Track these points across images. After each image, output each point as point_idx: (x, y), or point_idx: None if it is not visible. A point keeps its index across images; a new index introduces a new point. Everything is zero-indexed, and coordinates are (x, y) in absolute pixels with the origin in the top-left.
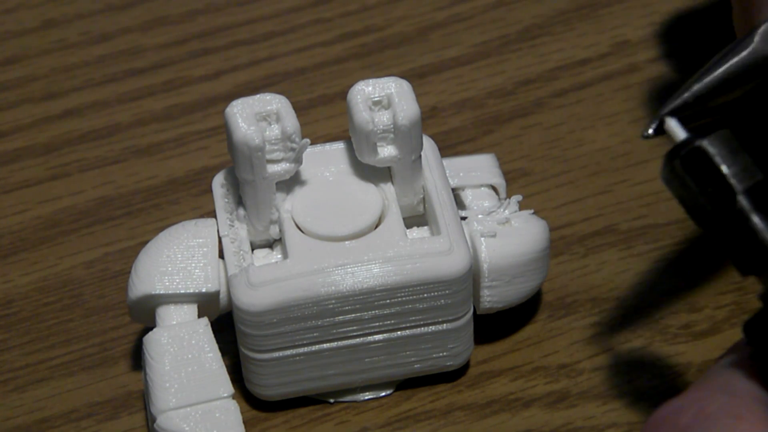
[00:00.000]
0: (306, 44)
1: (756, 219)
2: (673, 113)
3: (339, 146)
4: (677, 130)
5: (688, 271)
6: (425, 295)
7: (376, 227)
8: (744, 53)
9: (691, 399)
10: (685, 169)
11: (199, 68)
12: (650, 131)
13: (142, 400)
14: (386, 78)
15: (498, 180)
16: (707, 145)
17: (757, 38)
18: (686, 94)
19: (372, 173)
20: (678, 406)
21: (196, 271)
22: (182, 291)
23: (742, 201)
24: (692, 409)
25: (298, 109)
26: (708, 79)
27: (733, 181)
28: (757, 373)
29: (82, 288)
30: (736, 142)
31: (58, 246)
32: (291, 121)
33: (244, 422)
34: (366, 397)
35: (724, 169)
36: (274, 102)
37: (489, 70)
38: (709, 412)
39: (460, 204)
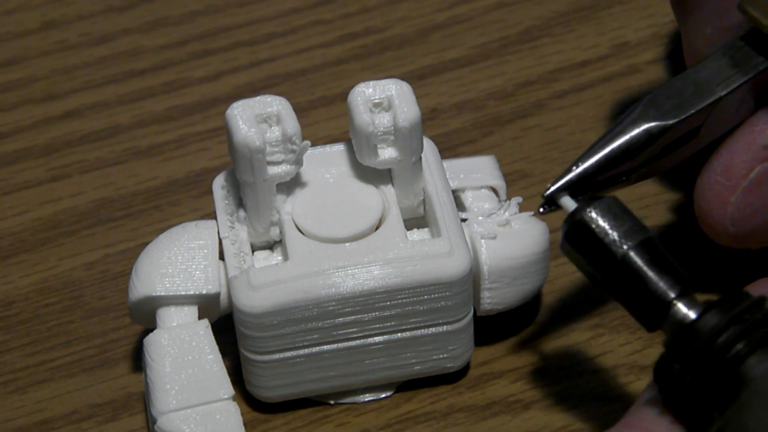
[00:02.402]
0: (306, 45)
1: (648, 273)
2: (559, 191)
3: (339, 148)
4: (569, 204)
5: (687, 272)
6: (425, 297)
7: (377, 229)
8: (626, 135)
9: None
10: (570, 243)
11: (199, 69)
12: (541, 210)
13: (142, 401)
14: (386, 80)
15: (498, 182)
16: (587, 217)
17: (637, 114)
18: (570, 175)
19: (372, 175)
20: None
21: (197, 272)
22: (183, 292)
23: (633, 257)
24: None
25: (299, 110)
26: (593, 160)
27: (616, 246)
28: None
29: (83, 289)
30: (619, 206)
31: (58, 247)
32: (291, 123)
33: (245, 424)
34: (366, 399)
35: (604, 237)
36: (274, 103)
37: (489, 72)
38: None
39: (460, 206)
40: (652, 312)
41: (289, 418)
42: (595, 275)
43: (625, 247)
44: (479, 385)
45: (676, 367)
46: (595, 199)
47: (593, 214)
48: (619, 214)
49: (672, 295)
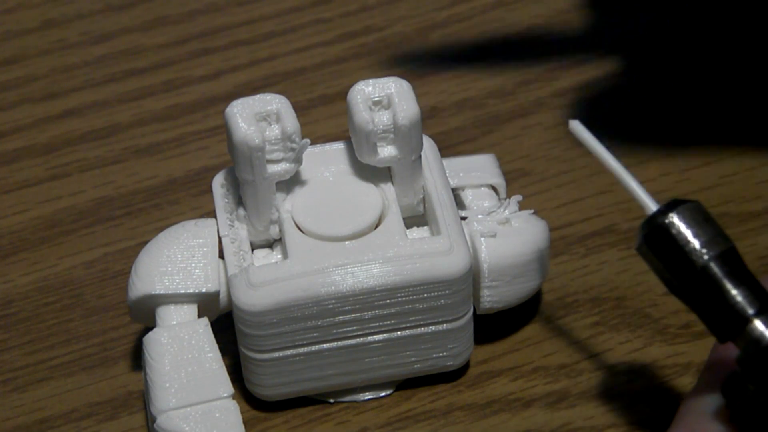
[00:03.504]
0: (306, 44)
1: (727, 285)
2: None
3: (339, 146)
4: (602, 152)
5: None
6: (425, 295)
7: (376, 227)
8: None
9: None
10: (649, 246)
11: (199, 68)
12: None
13: (142, 400)
14: (386, 78)
15: (498, 180)
16: (669, 222)
17: None
18: None
19: (372, 173)
20: None
21: (196, 271)
22: (182, 291)
23: (714, 268)
24: None
25: (298, 109)
26: None
27: (696, 255)
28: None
29: (82, 288)
30: (703, 213)
31: (58, 246)
32: (291, 121)
33: (244, 422)
34: (366, 397)
35: (685, 245)
36: (274, 102)
37: (489, 70)
38: None
39: (460, 204)
40: (727, 325)
41: (289, 417)
42: (672, 281)
43: (705, 257)
44: (479, 384)
45: (751, 388)
46: (678, 204)
47: (675, 220)
48: (701, 221)
49: (750, 311)
